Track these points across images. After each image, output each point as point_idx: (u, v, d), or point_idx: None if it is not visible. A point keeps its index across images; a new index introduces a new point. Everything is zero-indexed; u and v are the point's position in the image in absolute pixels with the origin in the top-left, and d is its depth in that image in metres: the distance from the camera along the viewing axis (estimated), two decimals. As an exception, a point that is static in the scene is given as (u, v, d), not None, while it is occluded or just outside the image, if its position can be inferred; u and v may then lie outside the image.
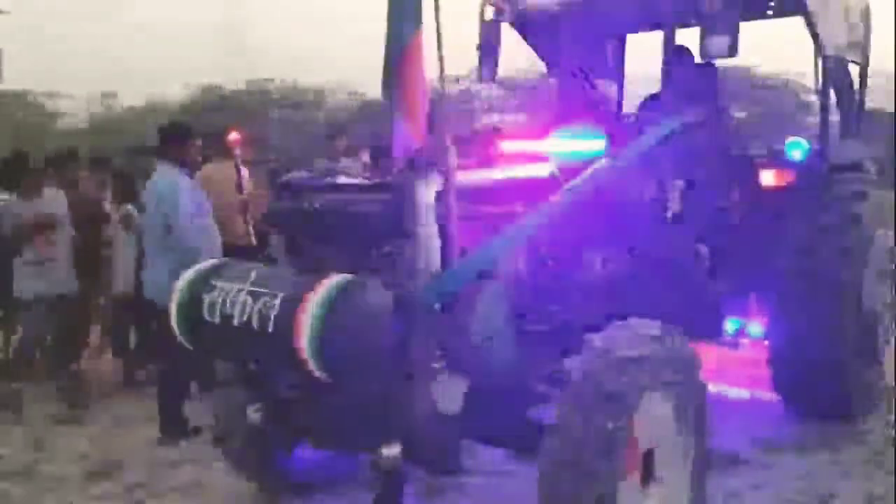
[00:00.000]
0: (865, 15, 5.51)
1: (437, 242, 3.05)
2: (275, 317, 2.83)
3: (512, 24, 5.31)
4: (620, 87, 6.04)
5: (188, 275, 3.17)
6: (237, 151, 3.32)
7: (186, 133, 5.09)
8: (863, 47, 5.49)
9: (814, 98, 5.85)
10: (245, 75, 25.45)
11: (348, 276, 2.83)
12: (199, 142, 5.11)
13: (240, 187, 5.01)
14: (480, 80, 5.03)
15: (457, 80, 24.92)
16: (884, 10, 6.20)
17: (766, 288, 4.93)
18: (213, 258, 3.48)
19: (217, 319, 3.00)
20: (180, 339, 3.17)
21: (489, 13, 4.99)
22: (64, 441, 5.22)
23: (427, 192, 3.05)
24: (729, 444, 4.81)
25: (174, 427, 5.06)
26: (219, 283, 3.05)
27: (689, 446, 3.45)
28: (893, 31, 5.80)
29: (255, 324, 2.88)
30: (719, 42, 4.09)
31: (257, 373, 3.34)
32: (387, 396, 2.96)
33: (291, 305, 2.79)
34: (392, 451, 3.00)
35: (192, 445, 4.96)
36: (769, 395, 5.28)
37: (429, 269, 3.03)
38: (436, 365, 3.04)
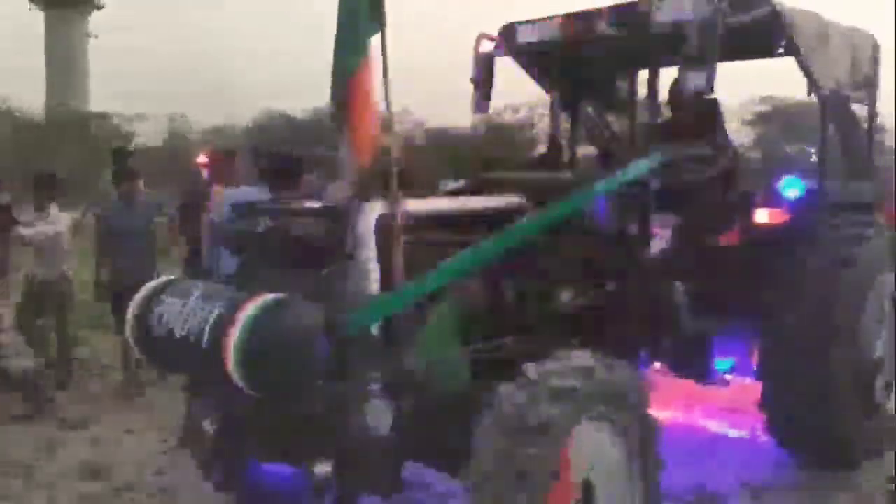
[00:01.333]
0: (874, 55, 5.39)
1: (374, 266, 3.15)
2: (208, 332, 2.97)
3: (514, 57, 5.40)
4: (632, 115, 6.00)
5: (144, 289, 3.34)
6: (204, 175, 3.48)
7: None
8: (870, 87, 5.38)
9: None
10: (313, 102, 26.32)
11: (277, 296, 2.95)
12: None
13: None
14: (473, 111, 5.14)
15: (516, 110, 25.24)
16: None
17: (757, 330, 4.84)
18: None
19: (164, 332, 3.16)
20: (134, 348, 3.35)
21: (484, 46, 5.10)
22: (67, 444, 5.47)
23: (367, 217, 3.16)
24: (714, 484, 4.77)
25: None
26: (167, 298, 3.22)
27: (636, 479, 3.44)
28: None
29: (192, 338, 3.03)
30: (697, 79, 4.12)
31: (210, 386, 3.48)
32: (316, 414, 3.06)
33: (222, 321, 2.93)
34: (322, 468, 3.10)
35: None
36: (766, 437, 5.18)
37: (364, 293, 3.13)
38: (370, 387, 3.13)
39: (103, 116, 28.02)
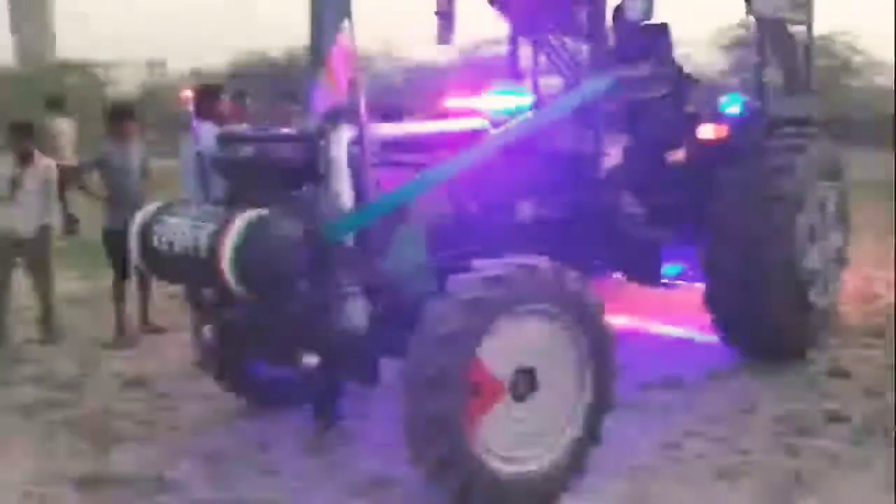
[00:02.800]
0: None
1: (346, 184, 3.58)
2: (204, 244, 3.43)
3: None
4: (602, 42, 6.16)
5: (145, 210, 3.79)
6: (191, 109, 3.85)
7: (217, 93, 5.81)
8: (807, 7, 5.76)
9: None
10: (286, 42, 26.10)
11: (262, 211, 3.41)
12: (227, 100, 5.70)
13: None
14: (437, 43, 5.47)
15: (497, 42, 25.27)
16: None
17: (701, 237, 5.28)
18: None
19: (164, 247, 3.62)
20: (137, 262, 3.80)
21: (448, -19, 5.41)
22: (110, 361, 5.84)
23: (338, 141, 3.58)
24: (678, 372, 5.28)
25: None
26: (167, 218, 3.67)
27: (584, 366, 3.78)
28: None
29: (190, 250, 3.49)
30: (635, 6, 4.51)
31: (208, 297, 3.95)
32: (301, 314, 3.53)
33: (217, 234, 3.39)
34: (310, 360, 3.59)
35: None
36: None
37: (338, 208, 3.56)
38: (348, 289, 3.59)
39: (78, 65, 27.77)
